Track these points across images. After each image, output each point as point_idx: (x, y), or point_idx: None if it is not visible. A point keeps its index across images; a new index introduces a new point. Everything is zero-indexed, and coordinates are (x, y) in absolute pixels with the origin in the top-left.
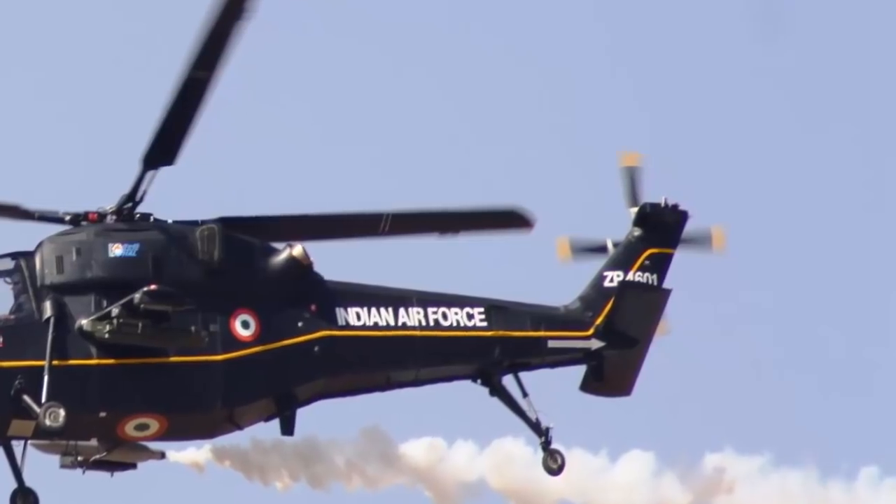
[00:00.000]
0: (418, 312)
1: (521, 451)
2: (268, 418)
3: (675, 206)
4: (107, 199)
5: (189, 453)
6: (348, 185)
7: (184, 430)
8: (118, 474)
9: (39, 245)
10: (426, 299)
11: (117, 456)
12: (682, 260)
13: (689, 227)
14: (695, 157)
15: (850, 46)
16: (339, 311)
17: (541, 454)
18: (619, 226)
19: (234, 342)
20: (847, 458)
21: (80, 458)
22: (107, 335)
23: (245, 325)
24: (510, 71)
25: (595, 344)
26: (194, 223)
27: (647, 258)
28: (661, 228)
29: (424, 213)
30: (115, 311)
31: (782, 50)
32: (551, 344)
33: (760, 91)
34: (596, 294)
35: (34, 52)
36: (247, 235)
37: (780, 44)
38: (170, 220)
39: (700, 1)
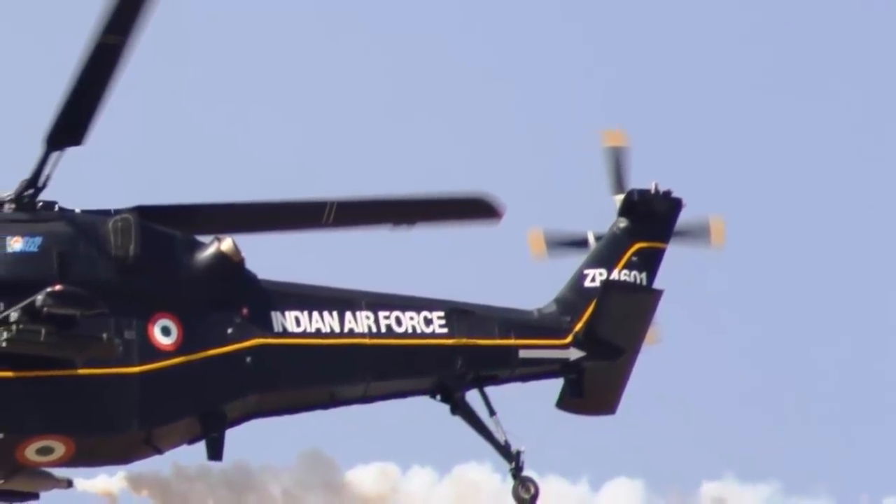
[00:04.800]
0: (368, 317)
1: (487, 479)
2: (192, 440)
3: (667, 194)
4: (4, 185)
5: (100, 481)
6: (286, 169)
7: (94, 455)
8: None
9: None
10: (377, 302)
11: (17, 484)
12: (676, 255)
13: (684, 218)
14: (689, 136)
15: (855, 26)
16: (276, 316)
17: (511, 482)
18: (602, 216)
19: (153, 352)
20: (868, 487)
21: None
22: (4, 343)
23: (165, 331)
24: (474, 46)
25: (574, 354)
26: (106, 213)
27: (634, 254)
28: (650, 219)
29: (375, 202)
30: (13, 315)
31: (781, 21)
32: (523, 354)
33: (761, 64)
34: (575, 296)
35: None
36: (167, 227)
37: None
38: (78, 210)
39: None
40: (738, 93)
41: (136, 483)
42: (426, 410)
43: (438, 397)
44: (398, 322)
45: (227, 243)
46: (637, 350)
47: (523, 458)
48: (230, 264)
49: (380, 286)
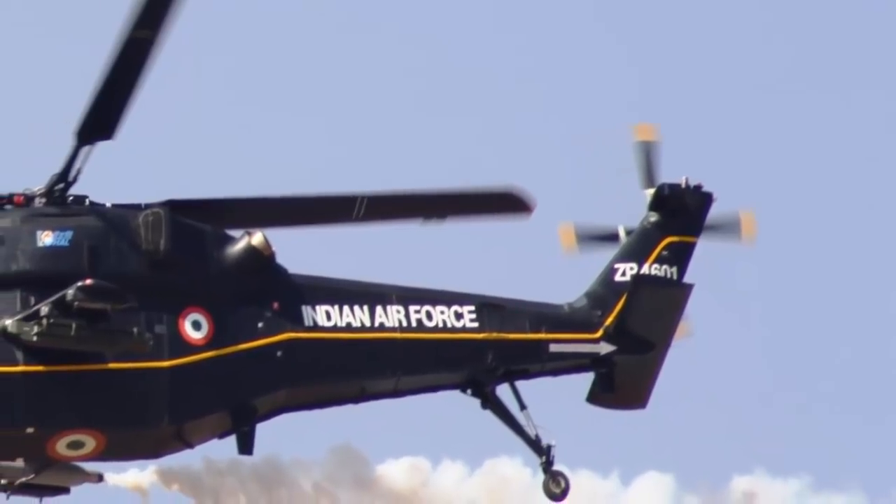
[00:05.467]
0: (398, 311)
1: (518, 473)
2: (222, 435)
3: (697, 188)
4: (35, 179)
5: (131, 475)
6: (317, 163)
7: (125, 449)
8: (48, 500)
9: None
10: (407, 296)
11: (47, 478)
12: (706, 250)
13: (714, 212)
14: (720, 131)
15: (886, 21)
16: (306, 310)
17: (541, 477)
18: (632, 210)
19: (184, 346)
20: None
21: (4, 481)
22: (35, 337)
23: (196, 326)
24: (506, 41)
25: (604, 348)
26: (137, 207)
27: (664, 248)
28: (681, 213)
29: (406, 196)
30: (44, 309)
31: (812, 16)
32: (553, 348)
33: (793, 59)
34: (605, 290)
35: None
36: (198, 221)
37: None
38: (108, 204)
39: None
40: (768, 88)
41: (166, 477)
42: (457, 405)
43: (469, 391)
44: (429, 316)
45: (257, 237)
46: (668, 344)
47: (554, 452)
48: (261, 258)
49: (410, 280)
